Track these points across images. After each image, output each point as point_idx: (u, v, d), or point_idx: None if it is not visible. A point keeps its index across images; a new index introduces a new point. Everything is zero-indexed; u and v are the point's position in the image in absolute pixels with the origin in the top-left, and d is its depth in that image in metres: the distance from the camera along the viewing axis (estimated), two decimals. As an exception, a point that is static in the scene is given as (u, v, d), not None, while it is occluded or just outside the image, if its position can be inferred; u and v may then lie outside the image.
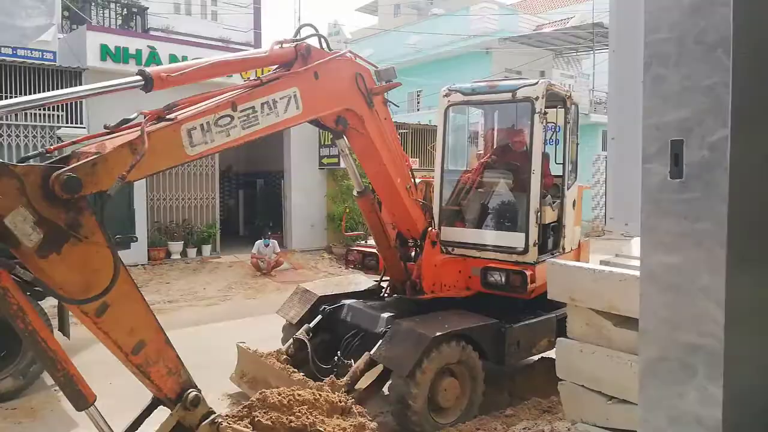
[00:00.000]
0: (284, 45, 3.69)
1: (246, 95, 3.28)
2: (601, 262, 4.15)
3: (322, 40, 4.02)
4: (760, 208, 1.68)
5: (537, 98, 4.90)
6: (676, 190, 1.74)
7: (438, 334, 4.42)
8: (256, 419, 3.50)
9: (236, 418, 3.54)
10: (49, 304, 5.46)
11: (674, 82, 1.74)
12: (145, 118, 2.79)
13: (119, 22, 17.62)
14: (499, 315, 5.03)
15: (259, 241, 12.02)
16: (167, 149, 2.88)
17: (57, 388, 5.49)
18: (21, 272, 2.51)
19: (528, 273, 4.78)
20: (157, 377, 2.91)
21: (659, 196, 1.78)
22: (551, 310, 5.20)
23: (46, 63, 11.10)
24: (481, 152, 6.37)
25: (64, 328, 5.69)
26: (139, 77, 2.82)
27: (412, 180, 4.91)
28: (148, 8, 17.98)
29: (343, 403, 4.00)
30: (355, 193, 4.93)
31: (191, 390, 3.03)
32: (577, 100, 5.64)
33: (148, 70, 2.85)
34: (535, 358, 5.81)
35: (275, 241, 12.25)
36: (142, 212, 11.97)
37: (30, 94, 10.67)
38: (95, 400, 2.73)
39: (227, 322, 8.51)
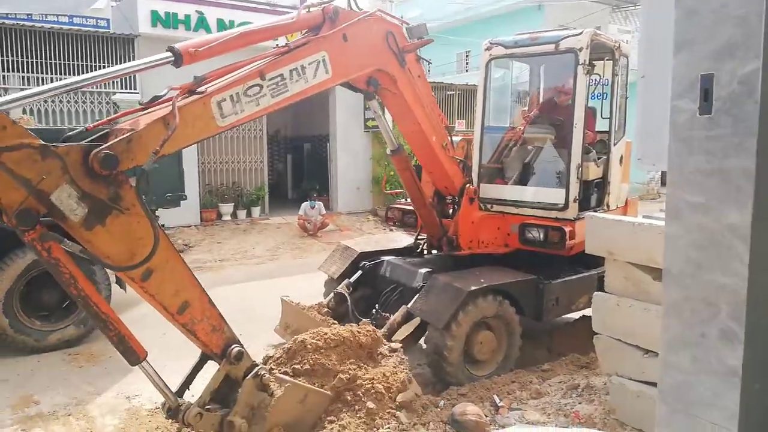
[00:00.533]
0: (311, 9, 3.65)
1: (274, 63, 3.29)
2: (644, 217, 4.06)
3: (351, 1, 3.95)
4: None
5: (581, 49, 4.73)
6: (705, 127, 1.68)
7: (473, 288, 4.45)
8: (294, 366, 3.66)
9: (277, 362, 3.71)
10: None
11: (706, 14, 1.67)
12: (176, 93, 2.86)
13: (169, -12, 17.86)
14: (540, 272, 5.01)
15: (305, 203, 12.25)
16: (199, 122, 2.94)
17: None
18: (69, 245, 2.63)
19: (567, 229, 4.71)
20: (202, 334, 3.07)
21: (688, 133, 1.73)
22: (593, 267, 5.13)
23: (101, 30, 11.46)
24: (525, 108, 6.24)
25: (120, 281, 6.03)
26: (169, 54, 2.89)
27: (449, 138, 4.86)
28: (196, -27, 18.14)
29: (382, 346, 4.11)
30: (388, 152, 4.91)
31: (234, 345, 3.19)
32: (626, 52, 5.40)
33: (177, 46, 2.91)
34: (576, 316, 5.78)
35: (321, 203, 12.45)
36: (194, 175, 12.39)
37: (86, 61, 11.11)
38: (146, 356, 2.91)
39: (274, 280, 8.79)
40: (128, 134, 2.65)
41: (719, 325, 1.67)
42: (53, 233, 2.53)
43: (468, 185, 5.07)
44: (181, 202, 6.65)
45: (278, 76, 3.25)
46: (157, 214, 6.69)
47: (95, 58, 11.25)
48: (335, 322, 4.92)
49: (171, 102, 2.76)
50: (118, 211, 2.63)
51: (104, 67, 11.18)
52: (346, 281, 5.44)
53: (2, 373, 5.22)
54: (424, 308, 4.59)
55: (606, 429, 3.62)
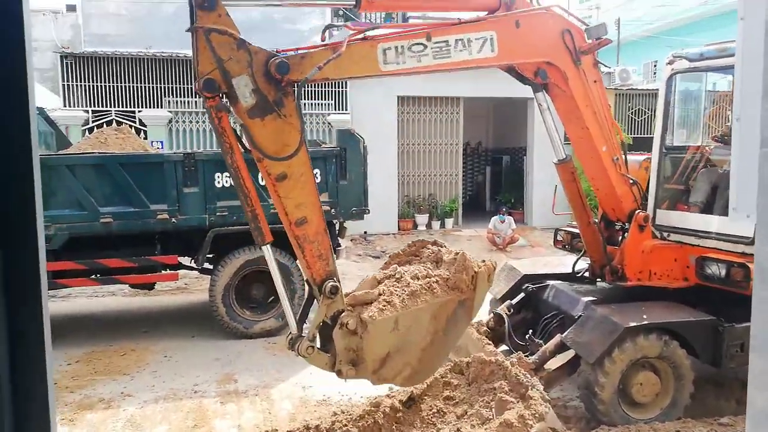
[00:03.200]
0: None
1: (443, 30, 3.53)
2: None
3: None
4: None
5: (779, 59, 4.06)
6: (795, 180, 1.47)
7: (632, 324, 4.14)
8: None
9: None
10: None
11: (799, 52, 1.46)
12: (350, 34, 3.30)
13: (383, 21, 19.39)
14: (725, 312, 4.42)
15: (494, 217, 12.28)
16: (362, 60, 3.34)
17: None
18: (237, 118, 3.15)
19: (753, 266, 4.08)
20: (309, 255, 3.29)
21: (777, 186, 1.52)
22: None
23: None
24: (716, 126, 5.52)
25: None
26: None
27: (622, 154, 4.55)
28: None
29: (526, 385, 4.05)
30: (555, 160, 4.73)
31: (331, 280, 3.33)
32: None
33: None
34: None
35: (511, 218, 12.35)
36: (393, 187, 13.31)
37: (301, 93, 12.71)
38: (271, 242, 3.25)
39: (455, 292, 9.02)
40: (303, 52, 3.18)
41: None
42: (226, 105, 3.10)
43: (638, 211, 4.70)
44: (382, 212, 7.15)
45: (443, 41, 3.48)
46: (345, 225, 7.49)
47: (310, 90, 12.80)
48: (489, 342, 4.97)
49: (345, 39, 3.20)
50: (277, 114, 3.10)
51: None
52: (507, 303, 5.44)
53: (216, 353, 6.38)
54: (577, 339, 4.40)
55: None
